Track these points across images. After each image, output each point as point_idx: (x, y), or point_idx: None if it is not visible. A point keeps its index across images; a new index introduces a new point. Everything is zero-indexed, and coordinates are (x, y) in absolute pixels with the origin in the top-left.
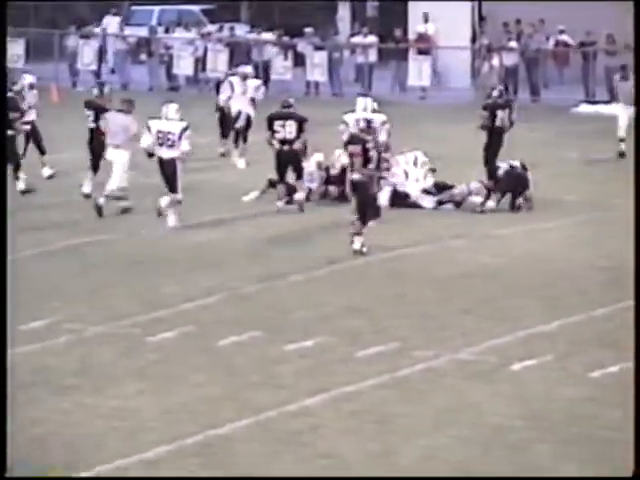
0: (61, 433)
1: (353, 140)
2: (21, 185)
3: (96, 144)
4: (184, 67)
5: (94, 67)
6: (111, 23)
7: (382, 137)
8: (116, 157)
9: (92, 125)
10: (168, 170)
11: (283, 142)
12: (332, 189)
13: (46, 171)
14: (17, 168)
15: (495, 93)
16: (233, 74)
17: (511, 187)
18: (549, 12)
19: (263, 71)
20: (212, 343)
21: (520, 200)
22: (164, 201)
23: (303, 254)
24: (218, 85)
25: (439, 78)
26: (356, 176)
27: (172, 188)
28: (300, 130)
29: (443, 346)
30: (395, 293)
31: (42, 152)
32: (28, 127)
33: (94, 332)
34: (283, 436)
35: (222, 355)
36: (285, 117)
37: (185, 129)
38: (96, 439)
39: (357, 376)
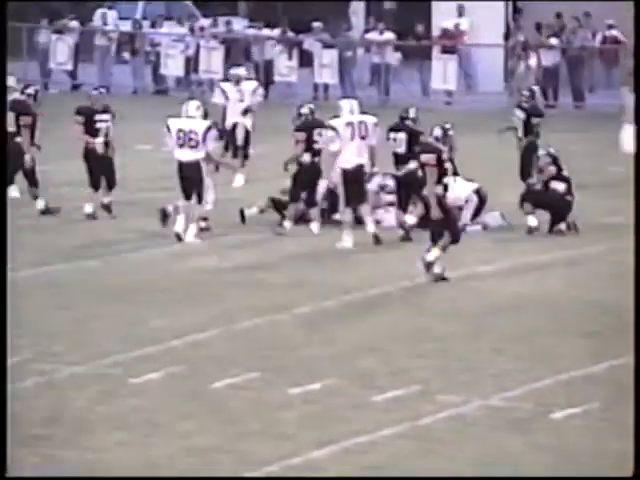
0: None
1: (426, 149)
2: (41, 204)
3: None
4: (173, 67)
5: (69, 67)
6: (108, 17)
7: (372, 141)
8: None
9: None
10: (191, 175)
11: (315, 154)
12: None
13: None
14: (35, 184)
15: (525, 93)
16: (225, 79)
17: (549, 208)
18: (595, 5)
19: (264, 72)
20: (204, 386)
21: (562, 226)
22: (179, 224)
23: (310, 282)
24: (211, 86)
25: (468, 81)
26: (426, 191)
27: (198, 197)
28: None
29: (471, 390)
30: (415, 328)
31: None
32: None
33: (68, 373)
34: None
35: (215, 400)
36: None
37: (210, 128)
38: None
39: (372, 424)
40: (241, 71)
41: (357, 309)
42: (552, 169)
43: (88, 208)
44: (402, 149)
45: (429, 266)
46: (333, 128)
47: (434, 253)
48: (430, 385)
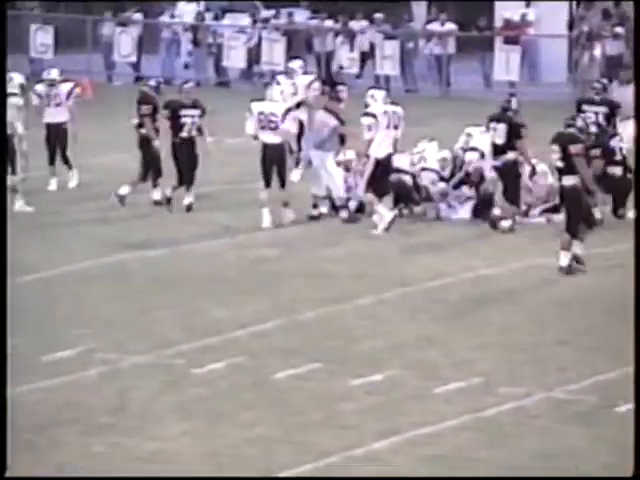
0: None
1: (573, 139)
2: (156, 195)
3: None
4: (235, 59)
5: (133, 59)
6: (186, 12)
7: (399, 133)
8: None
9: (190, 131)
10: (273, 156)
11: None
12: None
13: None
14: (158, 175)
15: (596, 85)
16: (283, 72)
17: (609, 192)
18: None
19: (325, 64)
20: (266, 376)
21: (626, 211)
22: (266, 219)
23: (372, 274)
24: (274, 77)
25: (532, 72)
26: (568, 182)
27: (281, 181)
28: None
29: (535, 383)
30: (477, 320)
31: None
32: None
33: (132, 363)
34: None
35: (277, 390)
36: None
37: (289, 110)
38: None
39: (434, 416)
40: (296, 64)
41: (418, 301)
42: (599, 161)
43: (156, 195)
44: (501, 140)
45: (577, 260)
46: (373, 115)
47: (579, 246)
48: (492, 377)
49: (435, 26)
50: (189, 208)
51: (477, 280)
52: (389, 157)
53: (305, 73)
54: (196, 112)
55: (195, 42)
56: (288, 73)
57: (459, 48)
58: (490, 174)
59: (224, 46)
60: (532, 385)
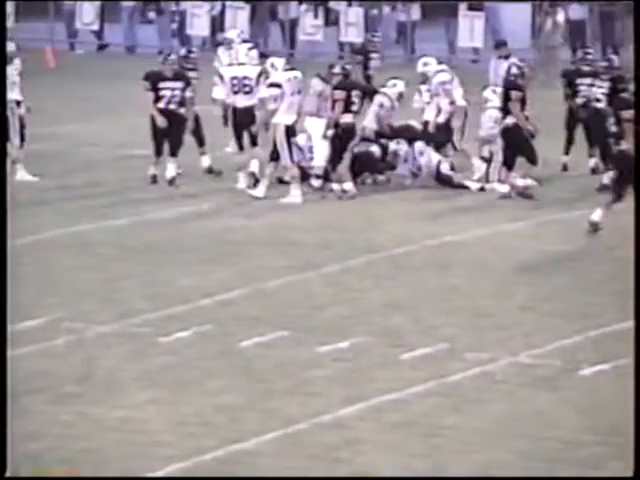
0: (60, 448)
1: (624, 105)
2: (206, 162)
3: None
4: (199, 27)
5: (95, 27)
6: None
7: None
8: (316, 127)
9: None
10: (245, 119)
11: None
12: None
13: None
14: (202, 143)
15: (579, 54)
16: (219, 43)
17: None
18: None
19: (290, 31)
20: (232, 345)
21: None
22: (254, 165)
23: (337, 241)
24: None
25: (495, 38)
26: (627, 146)
27: (252, 141)
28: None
29: (500, 348)
30: (443, 286)
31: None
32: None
33: (98, 332)
34: (315, 451)
35: (244, 358)
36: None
37: (261, 73)
38: (100, 455)
39: (400, 382)
40: (233, 33)
41: (384, 268)
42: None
43: (152, 170)
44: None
45: (595, 226)
46: (278, 85)
47: (599, 213)
48: (458, 343)
49: None
50: (171, 182)
51: (442, 246)
52: (294, 125)
53: (244, 42)
54: (178, 84)
55: (158, 10)
56: (226, 44)
57: (423, 15)
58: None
59: (187, 14)
60: (497, 350)
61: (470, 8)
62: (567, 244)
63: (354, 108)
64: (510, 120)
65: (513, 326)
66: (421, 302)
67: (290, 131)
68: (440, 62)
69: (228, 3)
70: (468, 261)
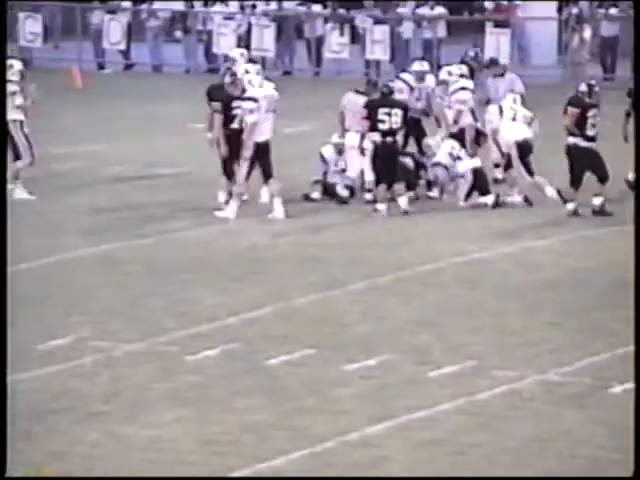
0: (87, 468)
1: (573, 102)
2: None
3: (233, 144)
4: (225, 46)
5: (122, 46)
6: None
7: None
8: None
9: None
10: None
11: (386, 134)
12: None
13: None
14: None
15: (582, 88)
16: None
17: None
18: None
19: (316, 49)
20: (260, 363)
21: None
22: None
23: (364, 258)
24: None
25: (522, 54)
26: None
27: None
28: (405, 120)
29: (528, 365)
30: (470, 304)
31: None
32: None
33: (126, 351)
34: (343, 470)
35: (271, 376)
36: (390, 105)
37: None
38: (128, 474)
39: (428, 400)
40: (236, 52)
41: (411, 285)
42: None
43: (221, 197)
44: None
45: (600, 209)
46: (255, 99)
47: (596, 199)
48: (486, 360)
49: (425, 10)
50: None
51: (469, 264)
52: (267, 143)
53: (250, 61)
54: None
55: (185, 29)
56: (231, 61)
57: (449, 32)
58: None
59: (214, 33)
60: (525, 368)
61: (497, 25)
62: (594, 261)
63: (382, 127)
64: (571, 139)
65: (540, 343)
66: (448, 320)
67: (261, 149)
68: (462, 75)
69: (254, 21)
70: (495, 278)
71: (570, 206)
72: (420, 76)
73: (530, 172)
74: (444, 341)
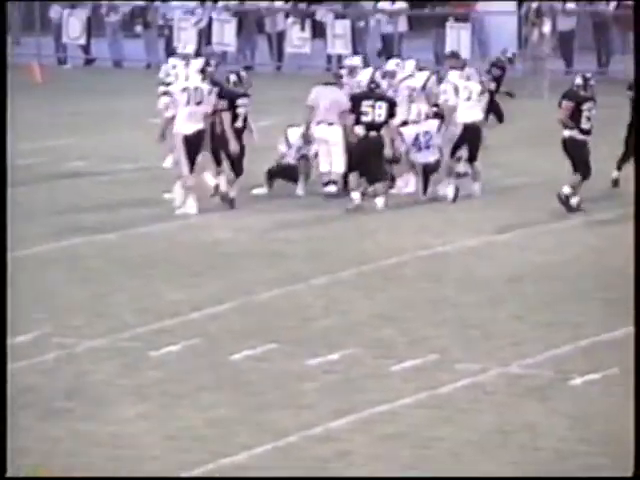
0: (50, 465)
1: (567, 95)
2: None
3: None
4: (186, 40)
5: (82, 41)
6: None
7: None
8: (332, 135)
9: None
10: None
11: (370, 127)
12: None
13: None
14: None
15: (577, 81)
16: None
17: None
18: None
19: (277, 43)
20: (223, 358)
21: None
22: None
23: (326, 253)
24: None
25: (482, 48)
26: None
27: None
28: (391, 114)
29: (490, 358)
30: (433, 297)
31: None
32: None
33: (88, 347)
34: (307, 464)
35: (235, 371)
36: (375, 98)
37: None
38: (91, 471)
39: (391, 394)
40: (189, 48)
41: (373, 280)
42: None
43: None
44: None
45: (566, 199)
46: (170, 94)
47: (567, 188)
48: (448, 354)
49: (385, 5)
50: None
51: (432, 257)
52: (198, 133)
53: (198, 56)
54: (248, 101)
55: (145, 24)
56: (183, 57)
57: (410, 26)
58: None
59: (174, 27)
60: (488, 361)
61: (457, 19)
62: (556, 254)
63: (365, 119)
64: (567, 132)
65: (503, 336)
66: (411, 313)
67: (191, 140)
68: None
69: (215, 16)
70: (457, 272)
71: (574, 200)
72: (352, 70)
73: (472, 158)
74: (407, 335)
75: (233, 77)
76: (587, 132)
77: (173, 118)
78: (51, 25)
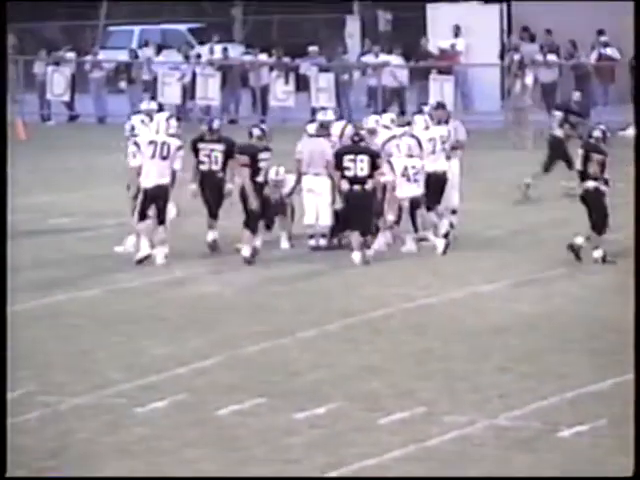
0: None
1: (595, 149)
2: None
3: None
4: (170, 95)
5: (66, 98)
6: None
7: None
8: (318, 186)
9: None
10: (159, 194)
11: (353, 181)
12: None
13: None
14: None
15: (597, 134)
16: (137, 111)
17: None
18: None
19: (261, 97)
20: (209, 413)
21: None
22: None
23: (313, 305)
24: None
25: (465, 100)
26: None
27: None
28: (374, 167)
29: (478, 410)
30: (419, 350)
31: None
32: None
33: (72, 404)
34: None
35: (220, 427)
36: (356, 152)
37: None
38: None
39: (379, 447)
40: (153, 105)
41: (359, 332)
42: None
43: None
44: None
45: (577, 248)
46: (137, 145)
47: (580, 239)
48: (436, 406)
49: (369, 58)
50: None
51: (418, 309)
52: (158, 188)
53: (160, 110)
54: (269, 155)
55: (129, 80)
56: (148, 114)
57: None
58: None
59: (159, 82)
60: (475, 413)
61: (440, 72)
62: (541, 304)
63: (348, 174)
64: (591, 184)
65: (490, 388)
66: (398, 366)
67: (151, 194)
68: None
69: (199, 70)
70: (444, 324)
71: (597, 253)
72: (372, 132)
73: (429, 208)
74: (394, 387)
75: (256, 131)
76: (607, 183)
77: (139, 168)
78: (35, 82)
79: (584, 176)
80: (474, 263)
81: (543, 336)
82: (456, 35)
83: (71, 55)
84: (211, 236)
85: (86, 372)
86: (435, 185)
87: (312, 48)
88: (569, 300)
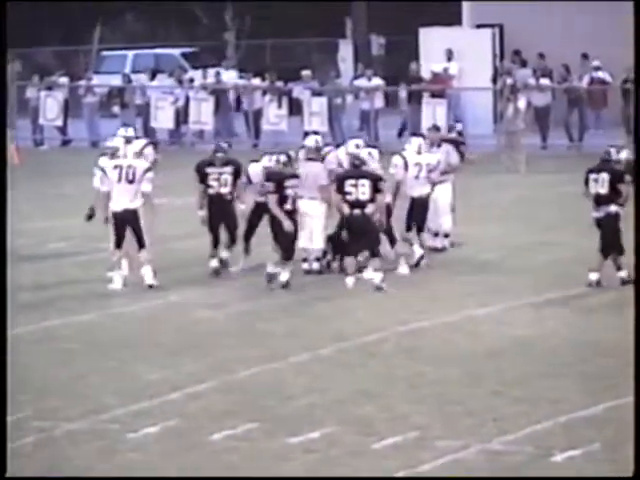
0: None
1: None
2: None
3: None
4: (163, 119)
5: (59, 122)
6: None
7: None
8: (313, 210)
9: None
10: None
11: (354, 205)
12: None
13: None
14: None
15: (620, 156)
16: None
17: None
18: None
19: (254, 121)
20: (203, 438)
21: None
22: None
23: (306, 331)
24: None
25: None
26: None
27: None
28: (376, 191)
29: (471, 435)
30: (413, 373)
31: None
32: None
33: (66, 430)
34: None
35: (214, 452)
36: (357, 176)
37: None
38: None
39: (372, 472)
40: (130, 131)
41: (353, 356)
42: None
43: (214, 263)
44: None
45: (597, 284)
46: (103, 170)
47: (594, 275)
48: (429, 431)
49: (362, 82)
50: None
51: (411, 333)
52: (126, 212)
53: (137, 138)
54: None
55: (122, 104)
56: (127, 141)
57: (387, 103)
58: None
59: (152, 107)
60: (468, 437)
61: (433, 95)
62: (534, 328)
63: (349, 198)
64: (614, 208)
65: (483, 412)
66: (391, 390)
67: (119, 218)
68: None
69: (192, 94)
70: (437, 347)
71: (594, 276)
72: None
73: (420, 229)
74: (387, 412)
75: (283, 158)
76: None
77: (107, 194)
78: (27, 107)
79: (608, 201)
80: (467, 287)
81: (536, 360)
82: (449, 59)
83: (64, 80)
84: (214, 263)
85: (80, 397)
86: (419, 209)
87: (305, 72)
88: (562, 324)
